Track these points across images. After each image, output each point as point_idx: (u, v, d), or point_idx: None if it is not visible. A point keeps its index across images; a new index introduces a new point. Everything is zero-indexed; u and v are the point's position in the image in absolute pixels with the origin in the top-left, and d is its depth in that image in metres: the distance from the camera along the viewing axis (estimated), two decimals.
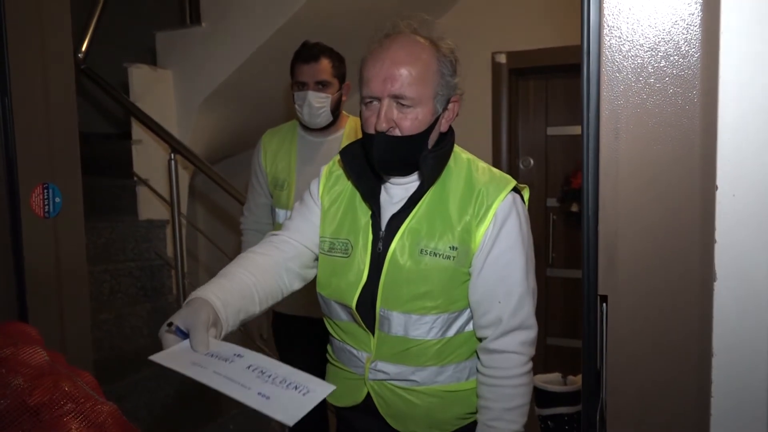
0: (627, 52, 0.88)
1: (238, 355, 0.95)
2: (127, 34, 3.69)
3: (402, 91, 1.23)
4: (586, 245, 0.90)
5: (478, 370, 1.34)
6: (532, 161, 3.99)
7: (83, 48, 3.28)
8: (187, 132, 3.28)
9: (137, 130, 3.26)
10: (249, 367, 0.92)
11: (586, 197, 0.91)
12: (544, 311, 3.85)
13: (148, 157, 3.27)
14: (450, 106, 1.33)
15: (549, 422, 1.74)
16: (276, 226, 2.35)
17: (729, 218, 0.84)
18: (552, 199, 3.94)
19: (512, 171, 3.92)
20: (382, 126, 1.24)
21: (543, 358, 3.82)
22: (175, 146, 3.07)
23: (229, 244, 3.46)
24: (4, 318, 1.38)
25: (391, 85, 1.23)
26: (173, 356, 0.98)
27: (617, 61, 0.88)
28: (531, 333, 1.32)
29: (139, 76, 3.22)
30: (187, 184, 3.40)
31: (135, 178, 3.25)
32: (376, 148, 1.27)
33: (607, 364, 0.89)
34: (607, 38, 0.88)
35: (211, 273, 3.71)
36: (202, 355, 0.95)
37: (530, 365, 1.32)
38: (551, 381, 1.76)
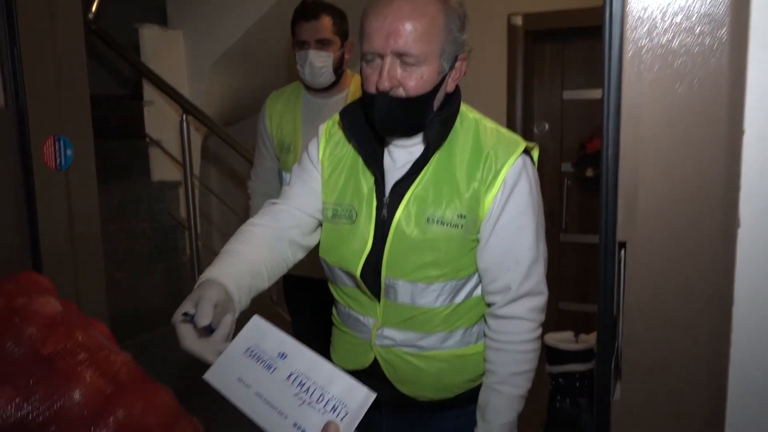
0: None
1: (282, 356, 0.89)
2: None
3: (406, 48, 1.15)
4: (605, 190, 0.87)
5: (485, 335, 1.32)
6: (547, 126, 3.93)
7: (93, 9, 3.23)
8: (199, 93, 3.26)
9: (149, 91, 3.24)
10: (290, 378, 0.86)
11: (606, 141, 0.89)
12: (556, 276, 3.84)
13: (160, 119, 3.26)
14: (457, 64, 1.24)
15: (560, 379, 1.75)
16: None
17: (756, 163, 0.82)
18: (567, 164, 3.90)
19: (527, 136, 3.86)
20: (385, 85, 1.16)
21: (555, 323, 3.81)
22: (186, 107, 3.06)
23: (241, 205, 3.46)
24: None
25: (394, 41, 1.14)
26: (223, 371, 0.92)
27: None
28: (541, 299, 1.29)
29: (150, 36, 3.18)
30: (199, 145, 3.39)
31: (147, 140, 3.24)
32: (378, 110, 1.20)
33: (624, 312, 0.87)
34: None
35: (224, 234, 3.74)
36: (247, 359, 0.90)
37: (539, 331, 1.30)
38: (563, 339, 1.76)
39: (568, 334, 1.78)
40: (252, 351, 0.90)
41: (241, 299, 1.11)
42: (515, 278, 1.25)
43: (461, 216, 1.22)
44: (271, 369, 0.87)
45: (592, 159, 3.74)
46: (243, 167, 3.37)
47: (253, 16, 3.08)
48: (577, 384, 1.73)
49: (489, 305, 1.31)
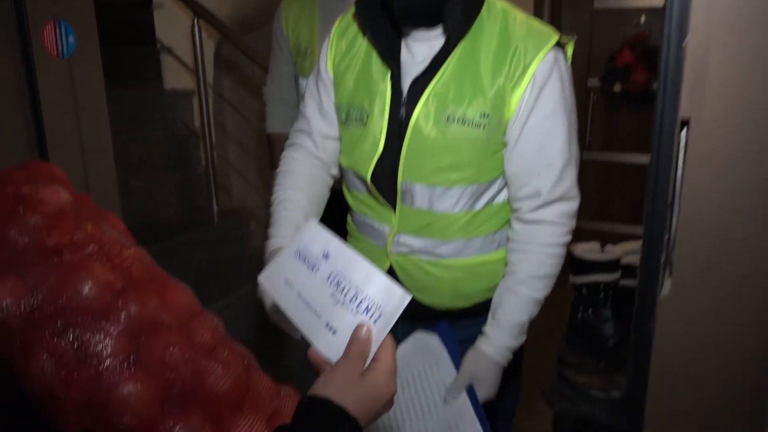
0: None
1: (326, 255, 0.86)
2: None
3: None
4: (666, 54, 0.76)
5: (509, 238, 1.25)
6: (575, 37, 3.74)
7: None
8: None
9: None
10: (329, 278, 0.83)
11: (668, 8, 0.78)
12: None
13: (171, 23, 3.13)
14: None
15: (583, 290, 1.71)
16: (300, 97, 2.25)
17: None
18: (594, 79, 3.73)
19: None
20: None
21: (573, 241, 3.78)
22: (198, 11, 2.92)
23: (256, 115, 3.38)
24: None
25: None
26: (273, 274, 0.91)
27: None
28: (573, 204, 1.20)
29: None
30: (212, 52, 3.27)
31: (158, 46, 3.12)
32: None
33: (680, 200, 0.79)
34: None
35: (240, 144, 3.67)
36: (295, 261, 0.88)
37: (569, 237, 1.22)
38: (589, 250, 1.70)
39: (594, 245, 1.73)
40: (300, 253, 0.88)
41: None
42: (546, 183, 1.16)
43: (484, 115, 1.14)
44: (314, 269, 0.85)
45: (621, 73, 3.58)
46: (259, 76, 3.26)
47: None
48: (601, 295, 1.69)
49: (516, 210, 1.24)
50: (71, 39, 1.34)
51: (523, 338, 1.22)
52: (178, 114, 3.15)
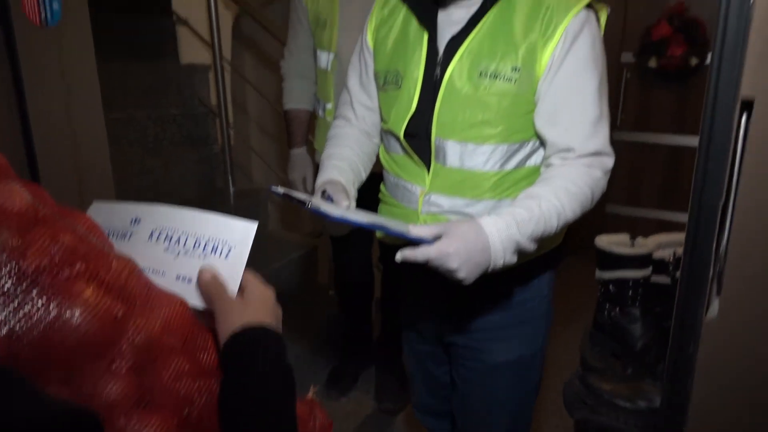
0: None
1: (135, 221, 0.82)
2: None
3: None
4: (722, 24, 0.64)
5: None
6: (608, 9, 3.55)
7: None
8: None
9: None
10: (152, 237, 0.80)
11: None
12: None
13: None
14: None
15: (610, 286, 1.60)
16: (318, 72, 2.15)
17: None
18: (628, 54, 3.55)
19: None
20: None
21: (600, 227, 3.64)
22: None
23: (275, 92, 3.29)
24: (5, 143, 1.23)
25: None
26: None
27: None
28: (608, 161, 1.19)
29: None
30: (230, 26, 3.17)
31: (174, 18, 3.03)
32: None
33: (736, 206, 0.67)
34: None
35: (258, 124, 3.59)
36: (113, 240, 0.82)
37: (604, 183, 1.19)
38: (617, 242, 1.59)
39: (623, 237, 1.61)
40: (110, 232, 0.82)
41: (352, 190, 1.32)
42: (577, 137, 1.17)
43: (515, 69, 1.17)
44: (128, 236, 0.81)
45: (656, 47, 3.40)
46: (278, 51, 3.17)
47: None
48: (630, 292, 1.58)
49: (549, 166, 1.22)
50: (56, 6, 1.25)
51: (528, 246, 1.11)
52: (195, 90, 3.07)
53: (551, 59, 1.16)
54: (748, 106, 0.65)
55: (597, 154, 1.18)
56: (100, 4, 3.33)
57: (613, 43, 3.56)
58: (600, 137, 1.18)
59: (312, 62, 2.20)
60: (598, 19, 1.20)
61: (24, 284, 0.64)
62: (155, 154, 2.84)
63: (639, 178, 3.66)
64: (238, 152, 3.26)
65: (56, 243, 0.69)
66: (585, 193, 1.16)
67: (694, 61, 3.35)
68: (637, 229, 3.83)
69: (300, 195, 1.09)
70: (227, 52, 3.04)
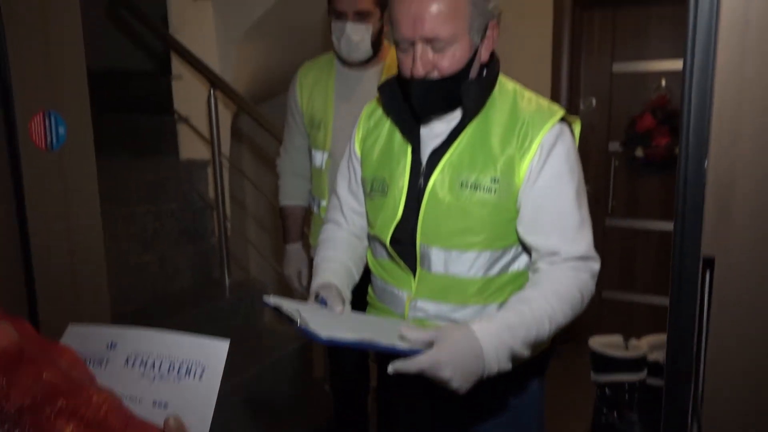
0: None
1: (111, 346, 0.83)
2: None
3: (434, 33, 1.15)
4: (682, 190, 0.69)
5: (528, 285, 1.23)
6: (594, 101, 3.69)
7: None
8: (228, 67, 3.13)
9: (177, 65, 3.13)
10: (128, 362, 0.81)
11: (685, 123, 0.70)
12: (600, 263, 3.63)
13: (189, 94, 3.15)
14: (488, 33, 1.23)
15: (606, 390, 1.59)
16: (314, 170, 2.21)
17: None
18: (615, 143, 3.67)
19: (573, 112, 3.63)
20: (420, 72, 1.18)
21: (597, 313, 3.64)
22: (214, 81, 2.95)
23: (271, 187, 3.36)
24: (7, 257, 1.26)
25: (421, 27, 1.15)
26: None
27: None
28: (593, 265, 1.23)
29: (178, 7, 3.06)
30: (229, 123, 3.28)
31: (175, 116, 3.14)
32: (416, 95, 1.22)
33: (708, 347, 0.70)
34: None
35: (255, 218, 3.64)
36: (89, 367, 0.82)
37: (592, 286, 1.21)
38: (611, 344, 1.59)
39: (617, 339, 1.62)
40: (85, 359, 0.82)
41: (346, 293, 1.32)
42: (561, 242, 1.20)
43: (495, 180, 1.22)
44: (103, 363, 0.82)
45: (642, 138, 3.51)
46: (274, 147, 3.28)
47: None
48: (626, 396, 1.57)
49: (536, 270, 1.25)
50: (62, 130, 1.31)
51: (522, 351, 1.11)
52: (194, 185, 3.14)
53: (529, 170, 1.21)
54: (710, 262, 0.69)
55: (583, 258, 1.21)
56: (105, 105, 3.47)
57: (600, 132, 3.68)
58: (584, 242, 1.22)
59: (307, 161, 2.27)
60: (572, 131, 1.27)
61: (6, 426, 0.65)
62: (152, 249, 2.87)
63: (633, 264, 3.69)
64: (234, 245, 3.29)
65: (39, 381, 0.69)
66: (575, 295, 1.18)
67: (680, 104, 3.44)
68: (635, 314, 3.81)
69: (291, 308, 1.11)
70: (226, 149, 3.13)
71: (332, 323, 1.14)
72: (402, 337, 1.03)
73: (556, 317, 1.15)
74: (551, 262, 1.21)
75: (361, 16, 1.95)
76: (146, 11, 3.09)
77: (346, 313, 1.24)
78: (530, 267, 1.28)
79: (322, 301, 1.24)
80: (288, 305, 1.12)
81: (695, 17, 0.71)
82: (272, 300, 1.14)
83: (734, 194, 0.70)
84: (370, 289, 1.47)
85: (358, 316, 1.25)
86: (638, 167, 3.59)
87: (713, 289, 0.69)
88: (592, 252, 1.23)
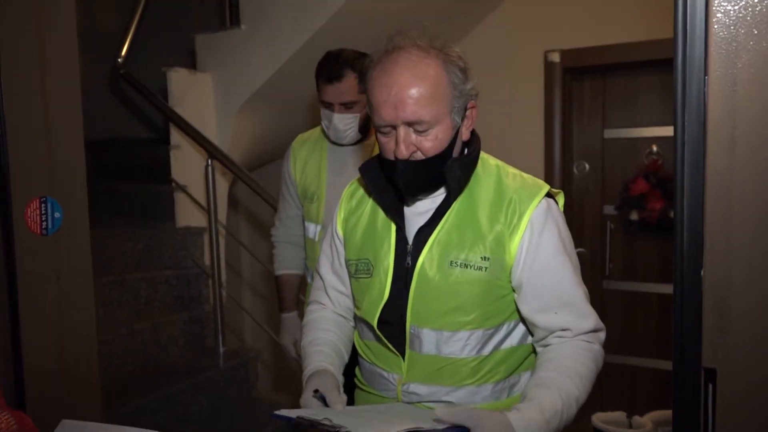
0: None
1: None
2: (167, 38, 3.63)
3: (416, 116, 1.16)
4: (680, 297, 0.68)
5: (536, 364, 1.23)
6: (587, 166, 3.74)
7: (123, 53, 3.26)
8: (226, 137, 3.20)
9: (175, 135, 3.19)
10: None
11: (679, 221, 0.69)
12: None
13: (187, 163, 3.20)
14: (468, 113, 1.25)
15: None
16: (307, 241, 2.22)
17: None
18: (609, 207, 3.68)
19: (566, 176, 3.68)
20: (403, 154, 1.18)
21: (598, 378, 3.57)
22: (211, 151, 3.01)
23: (269, 255, 3.37)
24: None
25: (403, 112, 1.16)
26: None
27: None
28: (603, 334, 1.24)
29: (177, 79, 3.14)
30: (225, 191, 3.31)
31: (173, 184, 3.17)
32: (401, 176, 1.21)
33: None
34: None
35: (250, 285, 3.61)
36: None
37: (601, 358, 1.22)
38: (614, 421, 1.55)
39: (620, 415, 1.58)
40: None
41: (340, 377, 1.30)
42: (571, 319, 1.20)
43: (485, 258, 1.21)
44: None
45: (636, 201, 3.54)
46: (270, 215, 3.30)
47: (281, 58, 3.01)
48: None
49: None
50: (57, 215, 1.31)
51: (554, 426, 1.10)
52: (189, 252, 3.14)
53: (520, 248, 1.21)
54: (712, 374, 0.67)
55: (593, 331, 1.22)
56: (104, 174, 3.51)
57: (595, 196, 3.71)
58: (592, 316, 1.22)
59: (301, 230, 2.28)
60: (557, 202, 1.29)
61: None
62: (145, 316, 2.84)
63: (632, 327, 3.64)
64: (229, 312, 3.26)
65: None
66: (592, 369, 1.18)
67: (673, 214, 3.46)
68: (636, 378, 3.73)
69: (310, 414, 1.09)
70: (222, 216, 3.15)
71: (359, 421, 1.09)
72: (438, 420, 1.04)
73: (581, 398, 1.15)
74: (562, 337, 1.21)
75: (347, 106, 1.99)
76: (147, 84, 3.18)
77: (347, 410, 1.19)
78: (536, 341, 1.26)
79: (320, 398, 1.20)
80: (304, 413, 1.10)
81: (683, 85, 0.71)
82: (284, 412, 1.11)
83: (731, 307, 0.68)
84: (357, 372, 1.44)
85: (371, 407, 1.22)
86: (634, 230, 3.59)
87: (716, 401, 0.67)
88: (600, 323, 1.24)
